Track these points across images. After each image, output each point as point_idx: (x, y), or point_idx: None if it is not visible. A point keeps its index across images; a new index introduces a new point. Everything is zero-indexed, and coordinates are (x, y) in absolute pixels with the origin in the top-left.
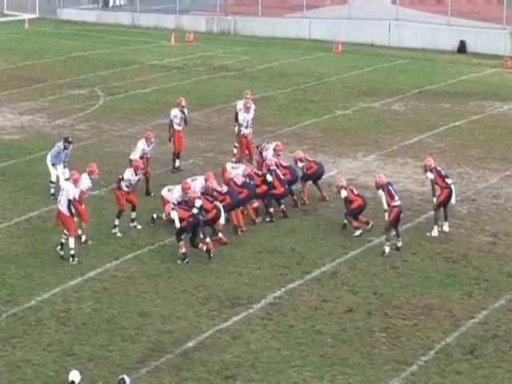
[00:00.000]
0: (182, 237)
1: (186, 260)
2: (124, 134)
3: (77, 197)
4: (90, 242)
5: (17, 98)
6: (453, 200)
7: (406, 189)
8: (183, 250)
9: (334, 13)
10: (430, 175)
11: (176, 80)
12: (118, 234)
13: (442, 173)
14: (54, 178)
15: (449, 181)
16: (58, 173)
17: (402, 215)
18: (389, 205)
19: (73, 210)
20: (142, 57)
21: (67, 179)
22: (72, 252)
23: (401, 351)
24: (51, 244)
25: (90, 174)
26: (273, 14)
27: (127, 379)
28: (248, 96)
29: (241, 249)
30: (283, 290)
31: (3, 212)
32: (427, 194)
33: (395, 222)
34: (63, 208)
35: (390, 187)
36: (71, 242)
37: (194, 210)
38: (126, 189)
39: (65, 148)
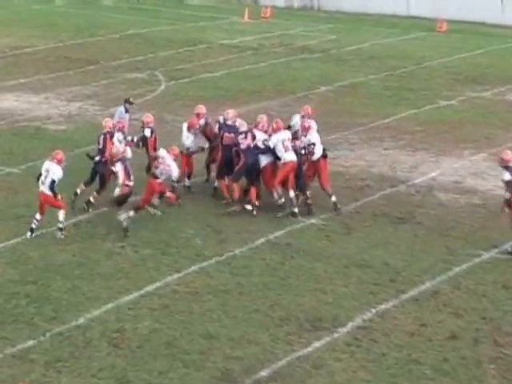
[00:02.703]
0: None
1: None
2: None
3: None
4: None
5: (64, 82)
6: None
7: None
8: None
9: None
10: (508, 176)
11: (250, 63)
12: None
13: None
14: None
15: None
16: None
17: None
18: None
19: (56, 191)
20: (210, 35)
21: (51, 160)
22: (61, 226)
23: None
24: (103, 252)
25: (59, 162)
26: None
27: None
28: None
29: (324, 262)
30: (374, 311)
31: (48, 215)
32: None
33: None
34: (46, 189)
35: None
36: (61, 215)
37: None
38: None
39: (126, 111)
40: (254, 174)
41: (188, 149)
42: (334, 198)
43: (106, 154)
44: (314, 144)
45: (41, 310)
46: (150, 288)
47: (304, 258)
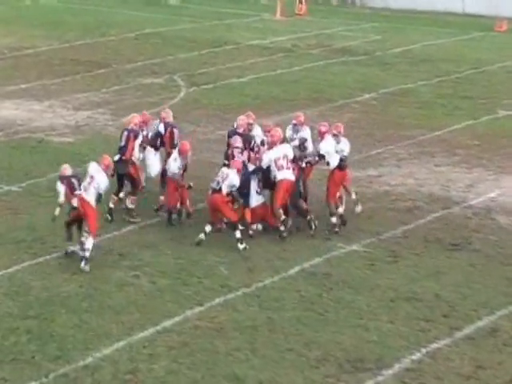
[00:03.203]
0: None
1: None
2: (212, 137)
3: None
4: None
5: (71, 88)
6: None
7: None
8: None
9: None
10: None
11: (282, 66)
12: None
13: None
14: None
15: None
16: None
17: None
18: None
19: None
20: (237, 34)
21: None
22: (87, 254)
23: None
24: (114, 282)
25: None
26: None
27: None
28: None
29: (367, 294)
30: (424, 351)
31: (53, 239)
32: None
33: None
34: (90, 197)
35: None
36: (89, 242)
37: None
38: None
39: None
40: (246, 194)
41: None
42: (333, 220)
43: (127, 154)
44: (321, 155)
45: (43, 347)
46: (167, 323)
47: (344, 289)
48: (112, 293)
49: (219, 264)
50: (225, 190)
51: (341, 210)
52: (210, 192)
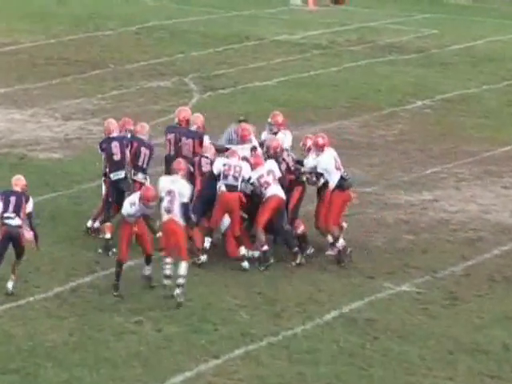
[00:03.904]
0: None
1: None
2: None
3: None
4: None
5: (60, 93)
6: None
7: None
8: None
9: None
10: None
11: (316, 67)
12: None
13: None
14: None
15: None
16: None
17: None
18: None
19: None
20: (261, 28)
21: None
22: (182, 282)
23: None
24: (111, 330)
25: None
26: None
27: None
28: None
29: (420, 345)
30: None
31: (37, 276)
32: None
33: None
34: (177, 216)
35: None
36: (183, 267)
37: None
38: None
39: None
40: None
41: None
42: (329, 252)
43: None
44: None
45: None
46: (176, 380)
47: (392, 339)
48: (109, 342)
49: (239, 308)
50: (240, 188)
51: (341, 242)
52: (223, 189)
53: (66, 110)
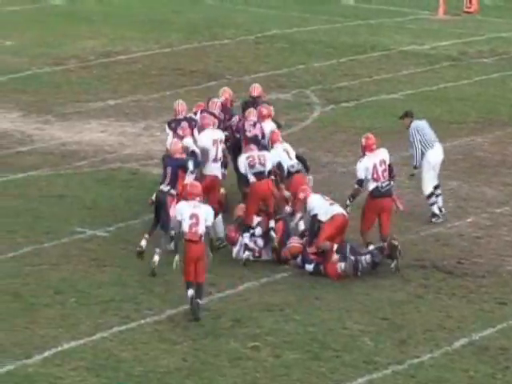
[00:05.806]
0: None
1: None
2: (354, 170)
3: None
4: None
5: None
6: None
7: None
8: None
9: None
10: None
11: (447, 79)
12: None
13: None
14: None
15: None
16: None
17: None
18: None
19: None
20: (387, 37)
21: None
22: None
23: None
24: (227, 355)
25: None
26: None
27: None
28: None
29: None
30: None
31: (149, 298)
32: None
33: None
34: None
35: None
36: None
37: None
38: None
39: None
40: None
41: None
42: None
43: None
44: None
45: None
46: None
47: None
48: (224, 368)
49: (362, 334)
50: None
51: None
52: (253, 180)
53: None
